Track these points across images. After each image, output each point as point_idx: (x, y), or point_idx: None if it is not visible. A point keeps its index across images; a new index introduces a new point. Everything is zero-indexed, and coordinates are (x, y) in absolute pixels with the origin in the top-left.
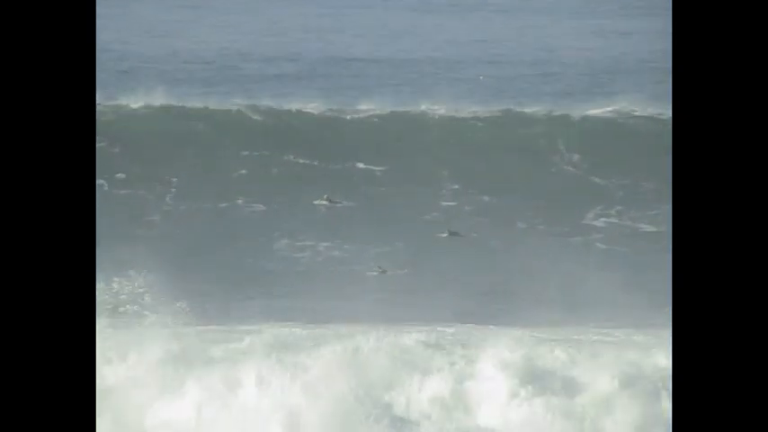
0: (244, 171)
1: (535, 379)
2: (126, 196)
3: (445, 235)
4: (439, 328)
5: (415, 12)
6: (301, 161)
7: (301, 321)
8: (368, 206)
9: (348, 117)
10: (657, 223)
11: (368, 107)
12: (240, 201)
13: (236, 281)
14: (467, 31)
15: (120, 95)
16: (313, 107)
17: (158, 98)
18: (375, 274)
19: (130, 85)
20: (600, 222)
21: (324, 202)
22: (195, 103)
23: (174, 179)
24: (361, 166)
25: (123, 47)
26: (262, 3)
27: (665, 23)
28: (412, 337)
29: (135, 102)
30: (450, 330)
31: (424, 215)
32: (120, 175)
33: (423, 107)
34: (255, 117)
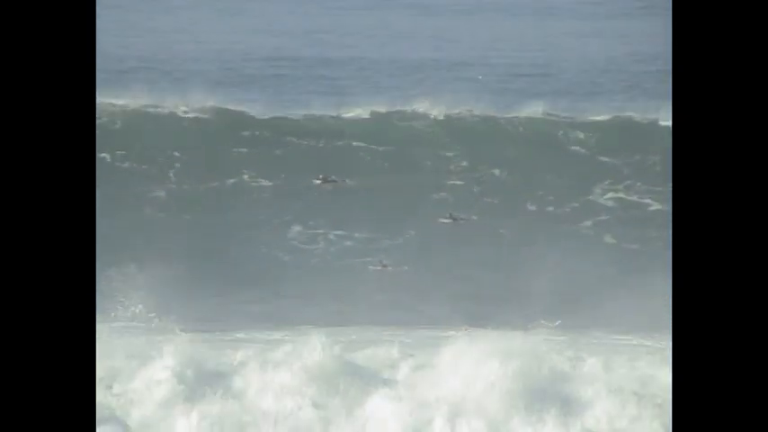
0: (244, 150)
1: (534, 390)
2: (129, 170)
3: (448, 220)
4: (433, 332)
5: (415, 13)
6: (305, 142)
7: (289, 324)
8: (369, 185)
9: (348, 115)
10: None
11: (367, 107)
12: (246, 176)
13: (232, 273)
14: (467, 32)
15: (119, 94)
16: (313, 107)
17: (156, 97)
18: (379, 269)
19: (129, 85)
20: (608, 201)
21: (320, 182)
22: (195, 102)
23: (177, 153)
24: (362, 144)
25: (122, 46)
26: (262, 3)
27: (665, 23)
28: (400, 342)
29: (133, 99)
30: (445, 334)
31: (431, 194)
32: (121, 152)
33: (423, 106)
34: (254, 113)
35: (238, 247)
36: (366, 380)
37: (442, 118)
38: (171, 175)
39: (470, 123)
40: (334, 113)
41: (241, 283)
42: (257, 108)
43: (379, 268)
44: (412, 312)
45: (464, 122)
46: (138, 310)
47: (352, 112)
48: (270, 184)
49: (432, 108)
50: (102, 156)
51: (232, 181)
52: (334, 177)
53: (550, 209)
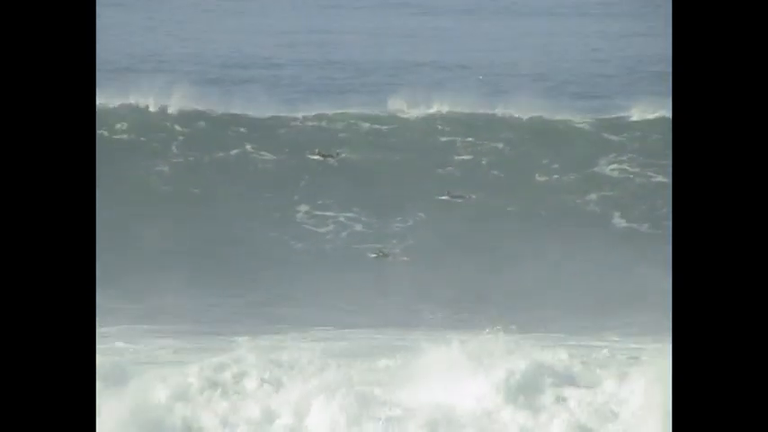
0: (243, 130)
1: (530, 400)
2: (129, 144)
3: (445, 198)
4: (431, 334)
5: (415, 13)
6: (308, 124)
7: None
8: (373, 160)
9: (348, 112)
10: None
11: (367, 106)
12: (249, 147)
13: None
14: (467, 32)
15: (117, 94)
16: (313, 106)
17: (153, 96)
18: (377, 256)
19: (128, 84)
20: (614, 173)
21: (317, 157)
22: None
23: (178, 127)
24: (365, 125)
25: (121, 46)
26: (264, 5)
27: (665, 24)
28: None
29: (131, 98)
30: (442, 336)
31: (437, 169)
32: (121, 125)
33: (424, 103)
34: (255, 114)
35: (247, 233)
36: (364, 395)
37: (442, 113)
38: (173, 148)
39: (472, 117)
40: (334, 110)
41: (250, 280)
42: (256, 107)
43: (378, 256)
44: (411, 313)
45: (465, 116)
46: (138, 311)
47: (351, 110)
48: (273, 157)
49: (432, 105)
50: (101, 132)
51: (235, 152)
52: (330, 152)
53: (555, 177)
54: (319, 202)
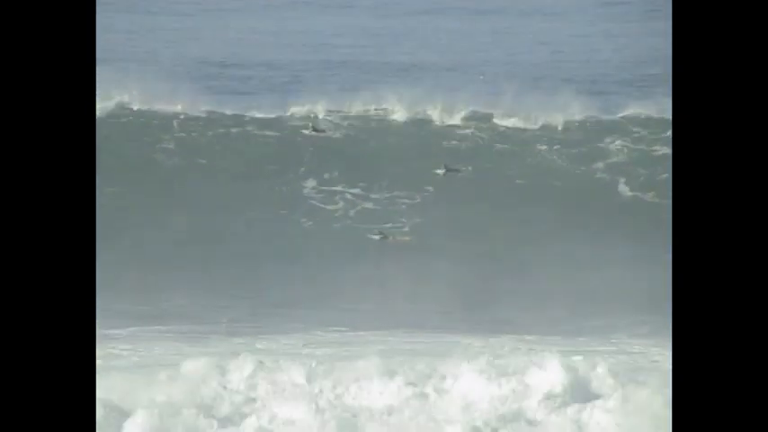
0: (246, 117)
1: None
2: (129, 123)
3: (441, 171)
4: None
5: (416, 15)
6: (309, 111)
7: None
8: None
9: (348, 112)
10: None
11: (368, 105)
12: (250, 128)
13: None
14: (468, 33)
15: (116, 93)
16: (315, 107)
17: (151, 97)
18: (376, 238)
19: (125, 85)
20: (618, 146)
21: (309, 132)
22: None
23: (179, 106)
24: (364, 114)
25: (120, 47)
26: (264, 5)
27: (665, 24)
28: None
29: (129, 98)
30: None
31: (442, 142)
32: (118, 103)
33: (423, 104)
34: (254, 114)
35: (256, 214)
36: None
37: (442, 115)
38: (175, 124)
39: (471, 114)
40: (334, 110)
41: (254, 276)
42: (256, 107)
43: (381, 238)
44: (413, 312)
45: (465, 114)
46: (141, 311)
47: (351, 111)
48: (276, 134)
49: (433, 105)
50: (99, 114)
51: (236, 130)
52: (323, 127)
53: (557, 148)
54: (326, 176)
